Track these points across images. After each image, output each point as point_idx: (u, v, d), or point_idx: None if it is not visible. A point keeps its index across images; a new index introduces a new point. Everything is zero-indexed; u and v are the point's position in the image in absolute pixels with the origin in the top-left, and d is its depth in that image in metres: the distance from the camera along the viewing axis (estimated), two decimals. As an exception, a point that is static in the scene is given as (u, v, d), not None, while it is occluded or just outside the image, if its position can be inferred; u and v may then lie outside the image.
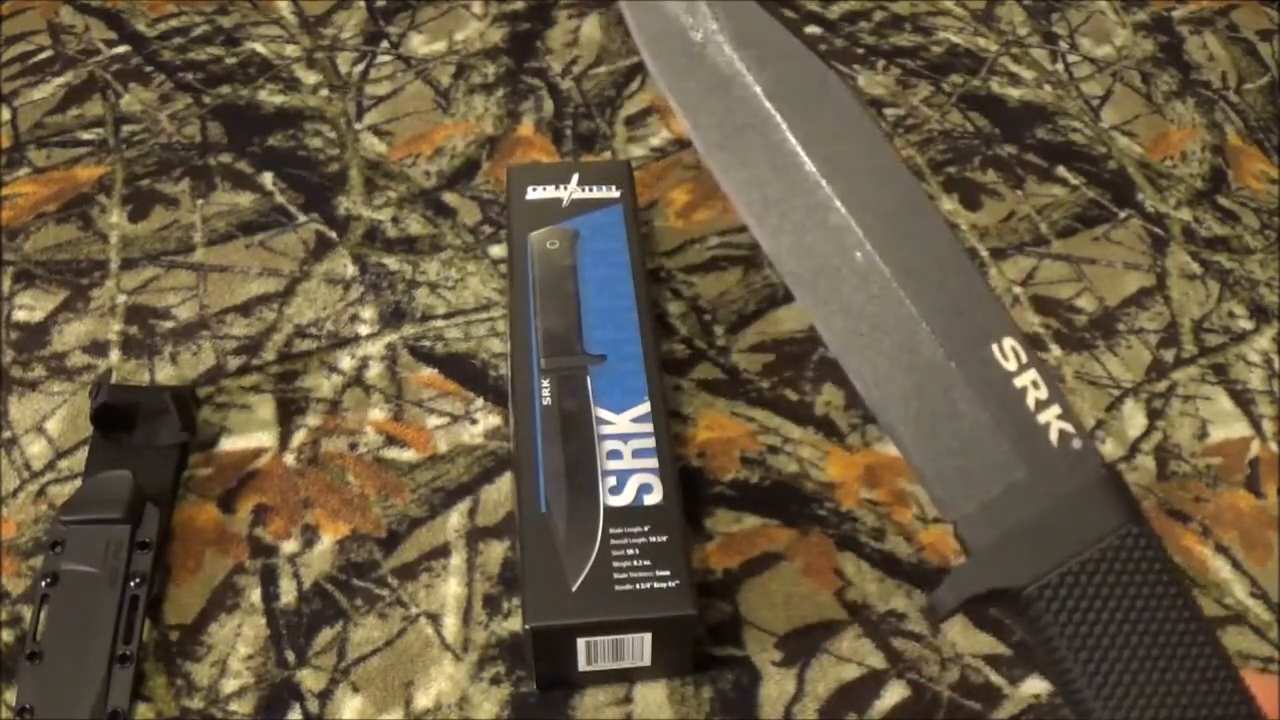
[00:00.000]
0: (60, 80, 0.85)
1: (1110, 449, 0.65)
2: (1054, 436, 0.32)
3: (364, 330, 0.70)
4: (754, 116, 0.34)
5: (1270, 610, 0.59)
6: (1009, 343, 0.32)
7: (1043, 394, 0.32)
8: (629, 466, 0.57)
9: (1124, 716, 0.31)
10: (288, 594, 0.59)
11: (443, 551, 0.61)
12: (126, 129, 0.82)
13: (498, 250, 0.74)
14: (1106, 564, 0.31)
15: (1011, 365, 0.32)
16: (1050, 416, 0.32)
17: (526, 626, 0.52)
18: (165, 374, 0.68)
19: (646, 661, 0.54)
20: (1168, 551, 0.32)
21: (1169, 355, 0.70)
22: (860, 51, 0.88)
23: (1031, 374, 0.32)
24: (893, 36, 0.90)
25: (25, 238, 0.75)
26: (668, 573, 0.53)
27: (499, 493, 0.63)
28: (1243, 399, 0.68)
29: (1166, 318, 0.72)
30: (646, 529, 0.54)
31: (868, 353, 0.32)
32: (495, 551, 0.61)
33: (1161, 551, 0.31)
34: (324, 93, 0.84)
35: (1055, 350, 0.70)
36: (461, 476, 0.63)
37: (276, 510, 0.62)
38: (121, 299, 0.71)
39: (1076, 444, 0.32)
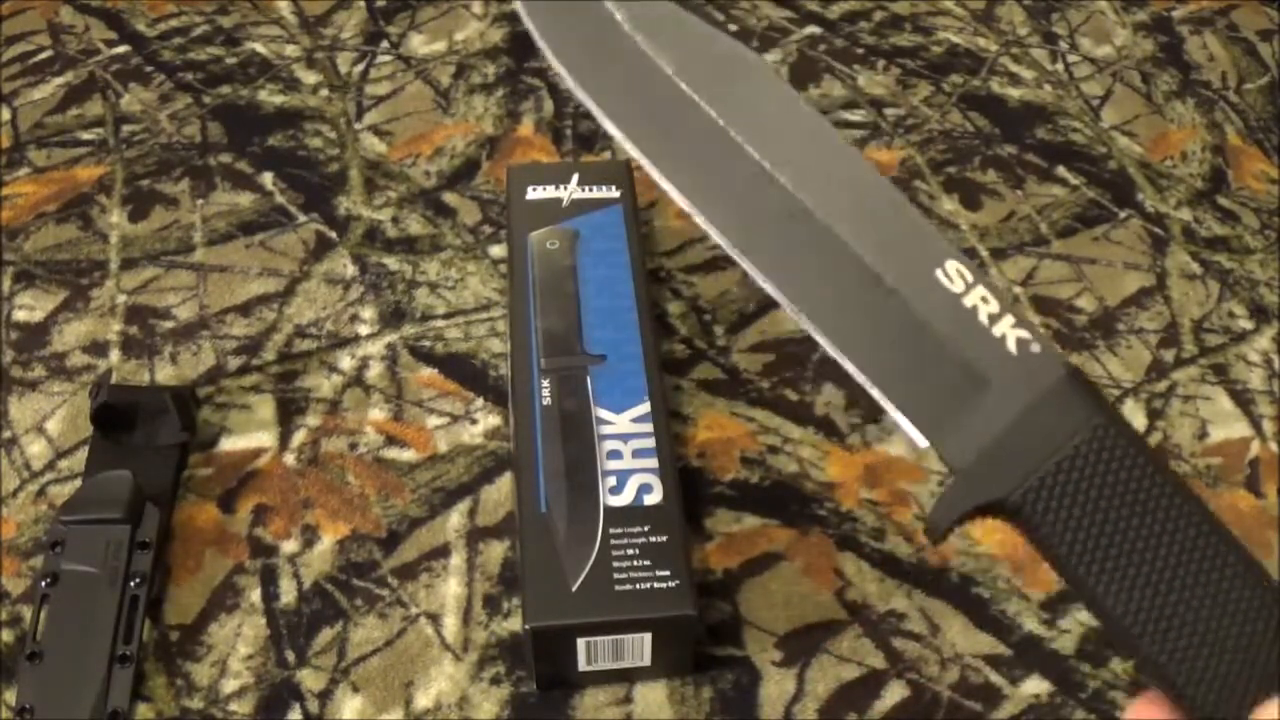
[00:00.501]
0: (60, 80, 0.85)
1: (1110, 449, 0.65)
2: (1012, 346, 0.32)
3: (364, 330, 0.70)
4: (673, 98, 0.34)
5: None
6: (952, 265, 0.33)
7: (993, 307, 0.32)
8: (629, 466, 0.57)
9: (1133, 603, 0.31)
10: (288, 594, 0.59)
11: (443, 551, 0.61)
12: (126, 129, 0.82)
13: (498, 250, 0.74)
14: (1083, 460, 0.31)
15: (958, 286, 0.33)
16: (1005, 328, 0.32)
17: (526, 626, 0.52)
18: (165, 374, 0.68)
19: (646, 661, 0.54)
20: (1143, 439, 0.32)
21: (1169, 355, 0.70)
22: (860, 51, 0.88)
23: (979, 290, 0.33)
24: (893, 36, 0.90)
25: (25, 238, 0.75)
26: (668, 573, 0.53)
27: (499, 493, 0.63)
28: (1243, 399, 0.68)
29: (1166, 318, 0.72)
30: (646, 529, 0.54)
31: (824, 303, 0.33)
32: (495, 551, 0.61)
33: (1136, 439, 0.32)
34: (324, 93, 0.84)
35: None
36: (461, 476, 0.63)
37: (276, 510, 0.62)
38: (121, 299, 0.71)
39: (1035, 348, 0.32)
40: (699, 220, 0.34)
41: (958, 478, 0.32)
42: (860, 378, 0.33)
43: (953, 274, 0.33)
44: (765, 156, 0.33)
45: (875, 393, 0.34)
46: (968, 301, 0.32)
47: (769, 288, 0.33)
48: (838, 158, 0.34)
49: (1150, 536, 0.31)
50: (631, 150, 0.34)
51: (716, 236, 0.34)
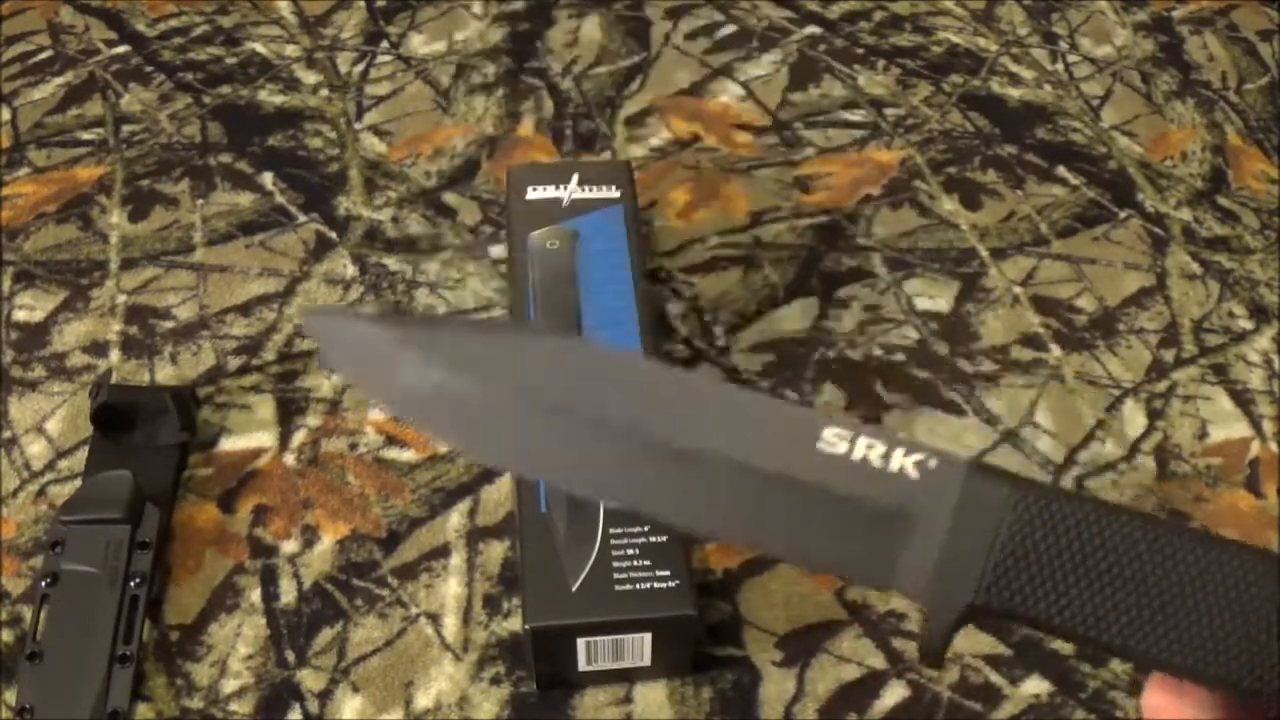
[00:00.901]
0: (60, 80, 0.85)
1: (1110, 449, 0.65)
2: (913, 473, 0.33)
3: (364, 330, 0.70)
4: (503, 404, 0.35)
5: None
6: (828, 433, 0.34)
7: (880, 448, 0.34)
8: (629, 466, 0.57)
9: (1135, 632, 0.32)
10: (288, 594, 0.59)
11: (443, 551, 0.61)
12: (126, 129, 0.82)
13: (498, 250, 0.74)
14: (1021, 535, 0.33)
15: (842, 447, 0.34)
16: (898, 460, 0.34)
17: (526, 626, 0.52)
18: (165, 374, 0.68)
19: (646, 661, 0.54)
20: (1066, 490, 0.33)
21: (1169, 355, 0.70)
22: (860, 51, 0.88)
23: (862, 441, 0.34)
24: (893, 36, 0.90)
25: (25, 238, 0.75)
26: (668, 573, 0.53)
27: (499, 493, 0.63)
28: (1243, 399, 0.68)
29: (1166, 318, 0.72)
30: (646, 529, 0.54)
31: (738, 518, 0.34)
32: (495, 551, 0.61)
33: (1060, 492, 0.33)
34: (324, 93, 0.84)
35: (1055, 350, 0.70)
36: (461, 476, 0.63)
37: (276, 510, 0.62)
38: (121, 299, 0.71)
39: (932, 464, 0.34)
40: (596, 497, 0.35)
41: (928, 609, 0.33)
42: (805, 565, 0.35)
43: (832, 439, 0.34)
44: (627, 423, 0.34)
45: (824, 570, 0.36)
46: (856, 456, 0.34)
47: (686, 526, 0.35)
48: (689, 392, 0.35)
49: (1115, 566, 0.32)
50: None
51: (614, 503, 0.35)
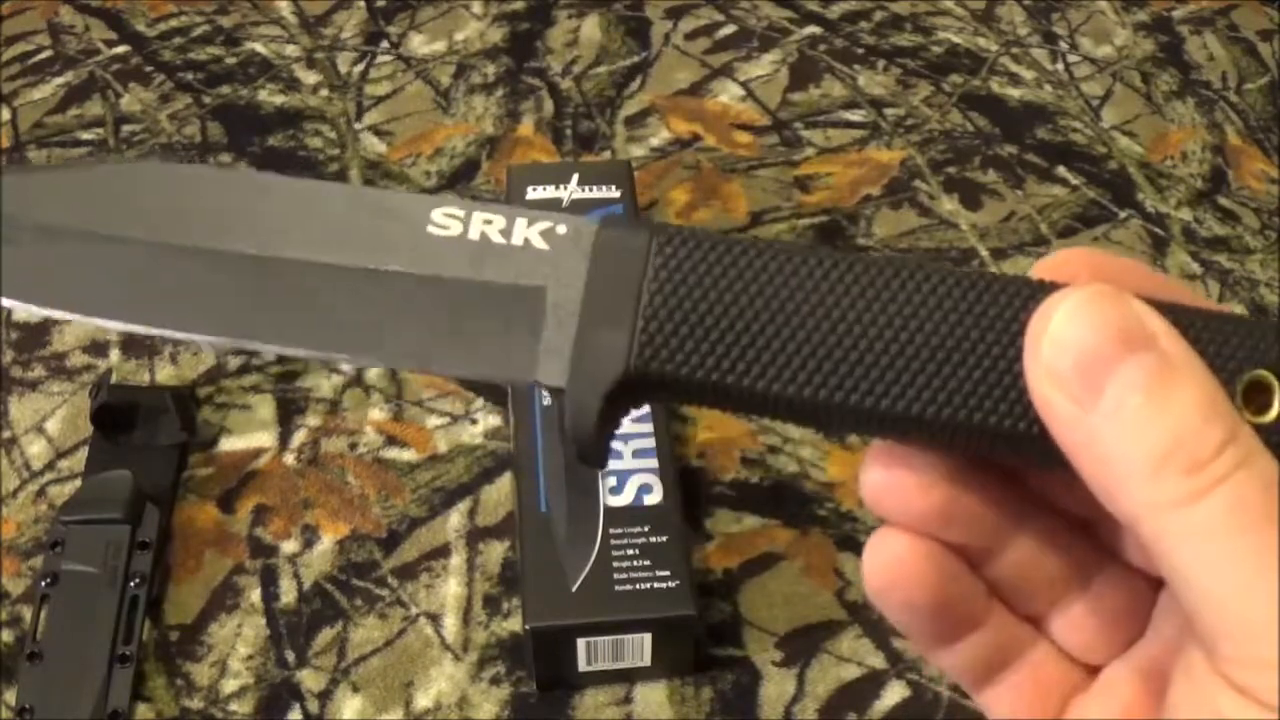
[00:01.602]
0: (60, 80, 0.85)
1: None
2: (540, 243, 0.29)
3: (364, 330, 0.70)
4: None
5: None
6: (438, 213, 0.29)
7: (500, 223, 0.29)
8: (629, 466, 0.57)
9: (830, 383, 0.27)
10: (288, 594, 0.59)
11: (443, 551, 0.61)
12: (126, 129, 0.82)
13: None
14: (671, 286, 0.27)
15: (455, 228, 0.29)
16: (521, 233, 0.29)
17: (526, 626, 0.52)
18: (165, 374, 0.68)
19: (647, 662, 0.54)
20: (724, 234, 0.28)
21: (1169, 355, 0.70)
22: (860, 51, 0.88)
23: (478, 216, 0.29)
24: (893, 36, 0.90)
25: (25, 238, 0.75)
26: (668, 573, 0.53)
27: (499, 493, 0.63)
28: (1243, 399, 0.68)
29: (1166, 318, 0.72)
30: (646, 529, 0.54)
31: (350, 332, 0.29)
32: (495, 551, 0.61)
33: (715, 234, 0.28)
34: (324, 93, 0.84)
35: (1055, 350, 0.70)
36: (461, 476, 0.63)
37: (276, 510, 0.62)
38: (121, 299, 0.71)
39: (561, 229, 0.29)
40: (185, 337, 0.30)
41: (573, 394, 0.28)
42: (446, 369, 0.30)
43: (443, 221, 0.29)
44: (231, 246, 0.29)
45: (464, 374, 0.30)
46: (473, 234, 0.29)
47: (297, 349, 0.29)
48: (273, 195, 0.30)
49: (792, 304, 0.27)
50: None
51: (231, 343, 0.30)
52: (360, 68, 0.86)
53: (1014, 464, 0.29)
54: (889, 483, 0.29)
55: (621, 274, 0.28)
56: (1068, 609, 0.30)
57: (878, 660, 0.57)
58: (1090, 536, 0.30)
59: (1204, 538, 0.24)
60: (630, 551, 0.54)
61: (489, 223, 0.29)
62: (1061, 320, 0.25)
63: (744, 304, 0.27)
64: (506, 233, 0.29)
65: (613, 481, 0.56)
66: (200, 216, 0.29)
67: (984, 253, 0.75)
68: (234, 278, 0.29)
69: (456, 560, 0.60)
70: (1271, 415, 0.26)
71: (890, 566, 0.29)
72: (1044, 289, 0.27)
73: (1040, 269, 0.28)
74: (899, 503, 0.29)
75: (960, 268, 0.28)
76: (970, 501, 0.29)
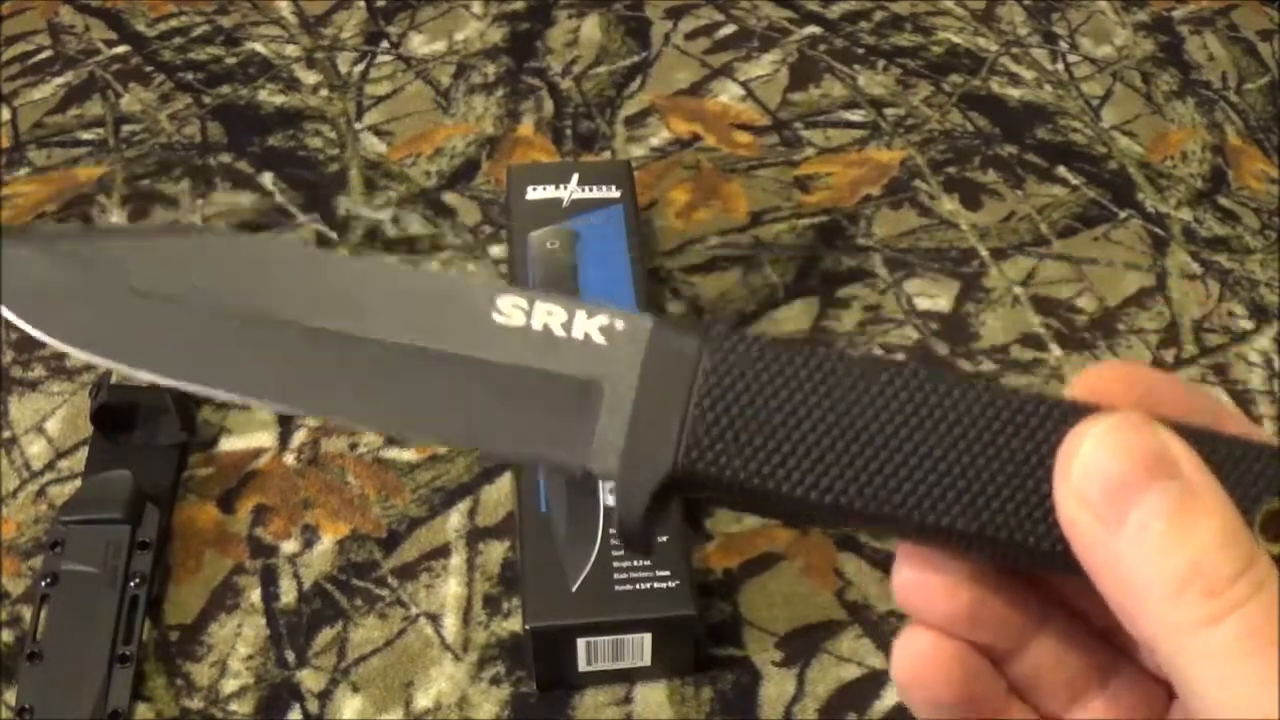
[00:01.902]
0: (60, 80, 0.85)
1: (1110, 449, 0.65)
2: (599, 338, 0.30)
3: (364, 330, 0.70)
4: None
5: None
6: (504, 302, 0.30)
7: (561, 315, 0.30)
8: (629, 466, 0.56)
9: (867, 492, 0.28)
10: (288, 594, 0.59)
11: (443, 551, 0.61)
12: (126, 129, 0.82)
13: (498, 250, 0.74)
14: (718, 390, 0.28)
15: (519, 318, 0.30)
16: (582, 327, 0.30)
17: (526, 626, 0.52)
18: (165, 374, 0.67)
19: (647, 662, 0.54)
20: (775, 338, 0.29)
21: (1169, 355, 0.70)
22: (860, 51, 0.88)
23: (540, 308, 0.30)
24: (893, 36, 0.90)
25: (25, 238, 0.75)
26: (668, 573, 0.53)
27: (499, 493, 0.63)
28: (1243, 399, 0.68)
29: (1166, 318, 0.72)
30: (646, 529, 0.54)
31: (414, 411, 0.30)
32: (495, 551, 0.61)
33: (765, 339, 0.29)
34: (324, 93, 0.84)
35: (1056, 350, 0.70)
36: (461, 476, 0.63)
37: (276, 510, 0.62)
38: (121, 299, 0.71)
39: (619, 325, 0.30)
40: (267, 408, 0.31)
41: (623, 487, 0.29)
42: (504, 455, 0.31)
43: (508, 310, 0.30)
44: (306, 318, 0.30)
45: (520, 459, 0.32)
46: (535, 325, 0.30)
47: (364, 425, 0.31)
48: (364, 278, 0.31)
49: (832, 413, 0.28)
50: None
51: (286, 409, 0.31)
52: (360, 68, 0.86)
53: (1039, 573, 0.30)
54: (917, 583, 0.30)
55: (671, 376, 0.29)
56: (1085, 709, 0.31)
57: (878, 660, 0.57)
58: (1108, 639, 0.32)
59: (1217, 659, 0.25)
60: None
61: (551, 314, 0.30)
62: (1091, 446, 0.27)
63: (786, 412, 0.28)
64: (567, 326, 0.30)
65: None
66: (282, 292, 0.31)
67: (984, 253, 0.75)
68: (312, 352, 0.30)
69: (456, 560, 0.60)
70: None
71: (916, 663, 0.30)
72: (1076, 412, 0.28)
73: (1080, 383, 0.30)
74: (926, 603, 0.30)
75: (998, 384, 0.30)
76: (995, 604, 0.30)
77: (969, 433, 0.28)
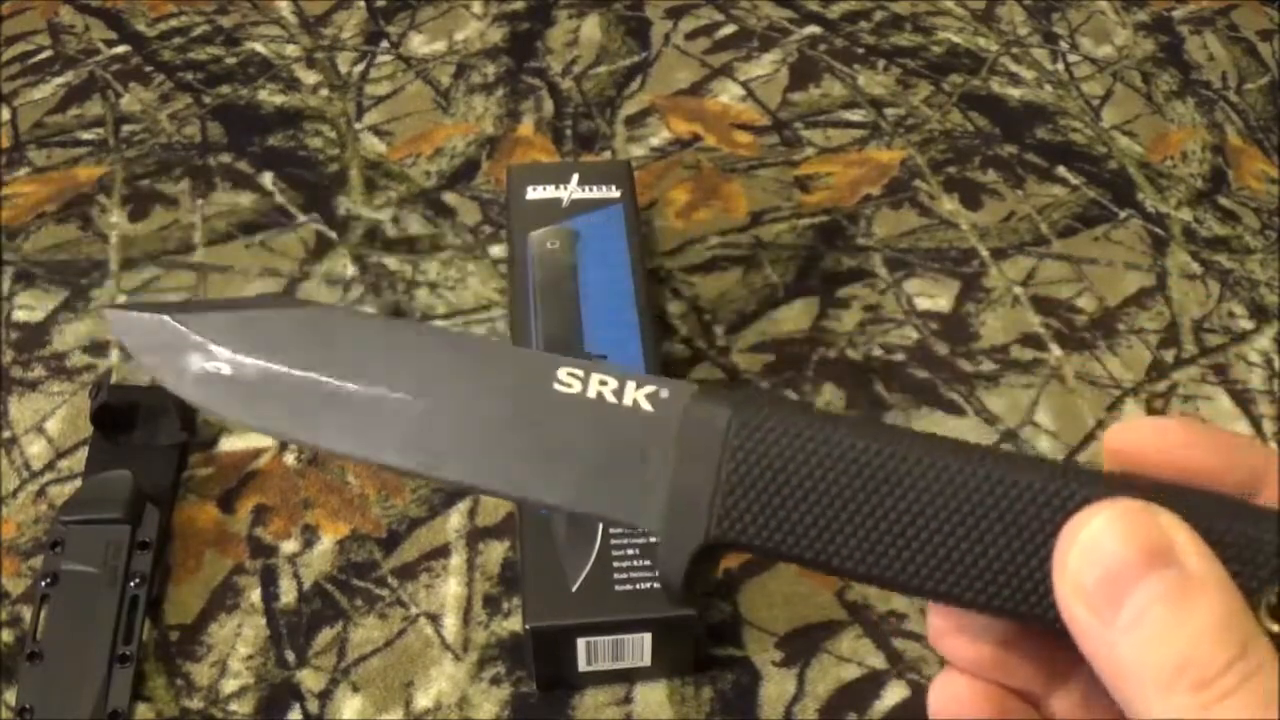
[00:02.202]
0: (60, 80, 0.85)
1: (1110, 449, 0.65)
2: (646, 405, 0.32)
3: (364, 330, 0.70)
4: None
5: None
6: (563, 372, 0.33)
7: (613, 384, 0.33)
8: (629, 466, 0.56)
9: (891, 564, 0.30)
10: (288, 594, 0.59)
11: (443, 551, 0.61)
12: (126, 129, 0.82)
13: (498, 250, 0.74)
14: (746, 463, 0.30)
15: (576, 386, 0.33)
16: (631, 395, 0.32)
17: (526, 626, 0.52)
18: (165, 374, 0.67)
19: (647, 662, 0.54)
20: (804, 405, 0.31)
21: (1169, 355, 0.70)
22: (860, 51, 0.88)
23: (595, 378, 0.33)
24: (893, 36, 0.90)
25: (25, 238, 0.75)
26: (668, 573, 0.53)
27: (499, 493, 0.63)
28: (1243, 399, 0.68)
29: (1166, 318, 0.72)
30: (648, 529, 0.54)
31: (485, 469, 0.33)
32: (495, 551, 0.61)
33: (792, 410, 0.31)
34: (324, 93, 0.84)
35: (1056, 350, 0.70)
36: (461, 476, 0.63)
37: (276, 510, 0.62)
38: (121, 299, 0.71)
39: (664, 393, 0.32)
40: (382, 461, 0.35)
41: (659, 546, 0.32)
42: (566, 510, 0.33)
43: (567, 379, 0.33)
44: (375, 386, 0.34)
45: (574, 513, 0.34)
46: (591, 393, 0.33)
47: (438, 480, 0.35)
48: (425, 348, 0.35)
49: (851, 487, 0.30)
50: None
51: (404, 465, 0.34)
52: (360, 68, 0.86)
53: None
54: (944, 631, 0.32)
55: (704, 447, 0.31)
56: None
57: (878, 660, 0.57)
58: None
59: None
60: (630, 551, 0.54)
61: (604, 383, 0.33)
62: (1089, 535, 0.27)
63: (807, 488, 0.30)
64: (618, 394, 0.33)
65: (613, 481, 0.56)
66: (372, 361, 0.34)
67: (984, 252, 0.75)
68: (395, 416, 0.34)
69: (456, 560, 0.60)
70: None
71: (949, 705, 0.33)
72: (1086, 486, 0.28)
73: (1111, 437, 0.30)
74: (954, 651, 0.32)
75: (1014, 454, 0.30)
76: (1017, 655, 0.31)
77: (978, 509, 0.29)
